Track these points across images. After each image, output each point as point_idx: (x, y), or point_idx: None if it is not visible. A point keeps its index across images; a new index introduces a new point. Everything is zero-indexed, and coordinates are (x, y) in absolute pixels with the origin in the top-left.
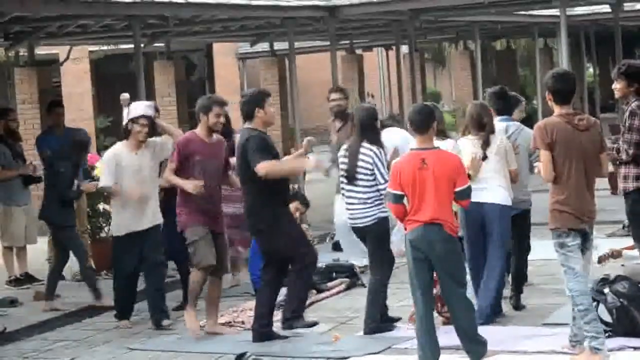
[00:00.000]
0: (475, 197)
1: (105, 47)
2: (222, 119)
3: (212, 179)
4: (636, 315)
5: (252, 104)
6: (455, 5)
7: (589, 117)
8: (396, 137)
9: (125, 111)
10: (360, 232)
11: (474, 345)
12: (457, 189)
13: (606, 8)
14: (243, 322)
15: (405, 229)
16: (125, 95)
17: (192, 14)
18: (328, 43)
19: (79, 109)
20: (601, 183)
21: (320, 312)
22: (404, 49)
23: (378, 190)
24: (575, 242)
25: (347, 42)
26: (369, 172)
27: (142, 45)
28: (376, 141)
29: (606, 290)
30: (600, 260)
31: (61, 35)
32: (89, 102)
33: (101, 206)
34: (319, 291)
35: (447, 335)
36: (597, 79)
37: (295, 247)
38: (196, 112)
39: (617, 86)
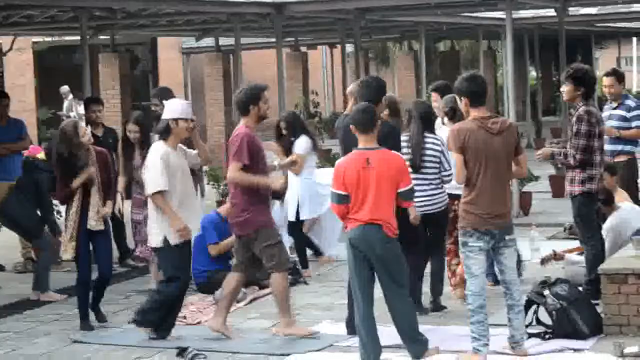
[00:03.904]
0: None
1: (49, 39)
2: (270, 104)
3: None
4: (576, 317)
5: (381, 93)
6: (401, 5)
7: (505, 120)
8: None
9: (65, 103)
10: (430, 218)
11: (415, 344)
12: (400, 190)
13: (551, 12)
14: (185, 317)
15: (346, 227)
16: (64, 88)
17: (139, 7)
18: (273, 40)
19: (21, 100)
20: (543, 186)
21: (262, 308)
22: (349, 47)
23: (442, 177)
24: (477, 244)
25: (292, 39)
26: (435, 160)
27: (87, 37)
28: (434, 132)
29: (546, 292)
30: (543, 261)
31: (5, 25)
32: (32, 93)
33: None
34: (261, 287)
35: (388, 334)
36: (539, 83)
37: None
38: (240, 106)
39: (565, 89)
